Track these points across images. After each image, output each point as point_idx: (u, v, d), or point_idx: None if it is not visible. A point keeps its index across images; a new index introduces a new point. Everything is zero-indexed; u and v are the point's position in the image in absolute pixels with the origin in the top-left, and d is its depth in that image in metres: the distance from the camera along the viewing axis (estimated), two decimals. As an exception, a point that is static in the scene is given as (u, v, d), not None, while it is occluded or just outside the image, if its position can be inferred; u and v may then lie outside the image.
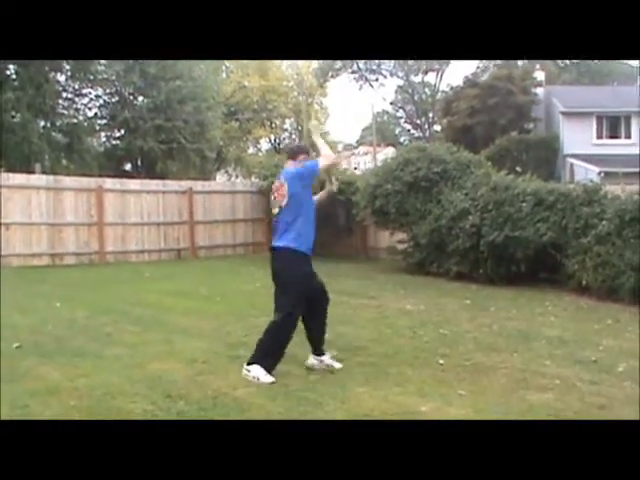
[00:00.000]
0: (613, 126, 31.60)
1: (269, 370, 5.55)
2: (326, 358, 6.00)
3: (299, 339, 5.97)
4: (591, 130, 31.16)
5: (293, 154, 6.10)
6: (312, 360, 6.00)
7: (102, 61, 26.45)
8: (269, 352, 5.63)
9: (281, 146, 44.66)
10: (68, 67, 24.93)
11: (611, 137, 31.27)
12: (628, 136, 31.35)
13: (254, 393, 5.17)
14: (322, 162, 5.78)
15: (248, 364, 5.59)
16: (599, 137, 31.27)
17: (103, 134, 30.51)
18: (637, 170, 21.02)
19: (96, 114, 29.56)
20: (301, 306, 5.76)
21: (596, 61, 53.85)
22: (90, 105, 29.26)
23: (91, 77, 26.50)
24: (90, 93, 28.73)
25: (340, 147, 69.77)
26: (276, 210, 5.83)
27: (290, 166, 5.95)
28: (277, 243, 5.77)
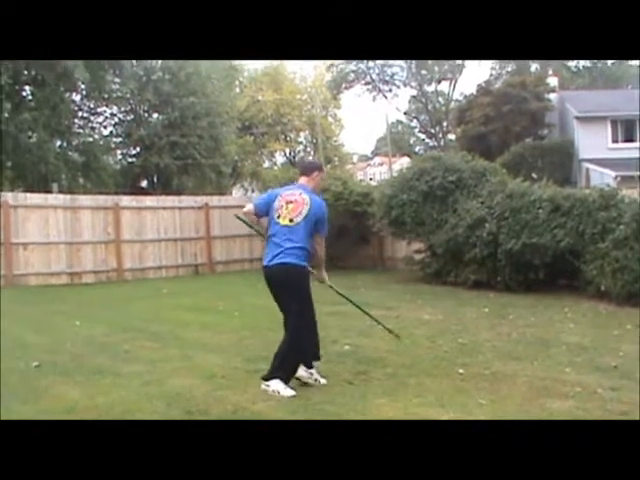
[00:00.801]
0: (628, 130, 31.38)
1: (286, 381, 5.53)
2: (314, 372, 5.87)
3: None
4: (606, 134, 30.97)
5: (307, 171, 6.06)
6: (301, 372, 5.80)
7: (116, 79, 26.68)
8: (286, 364, 5.58)
9: (296, 159, 44.75)
10: (83, 86, 25.13)
11: (626, 141, 31.03)
12: (644, 139, 31.13)
13: (274, 407, 5.14)
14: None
15: (266, 379, 5.55)
16: (614, 141, 31.06)
17: (119, 152, 30.73)
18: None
19: (111, 132, 29.84)
20: (312, 310, 5.77)
21: (609, 65, 53.67)
22: (105, 123, 29.59)
23: (106, 96, 26.69)
24: (105, 112, 29.02)
25: (355, 158, 69.87)
26: (285, 221, 5.74)
27: (304, 182, 5.93)
28: (289, 260, 5.68)
